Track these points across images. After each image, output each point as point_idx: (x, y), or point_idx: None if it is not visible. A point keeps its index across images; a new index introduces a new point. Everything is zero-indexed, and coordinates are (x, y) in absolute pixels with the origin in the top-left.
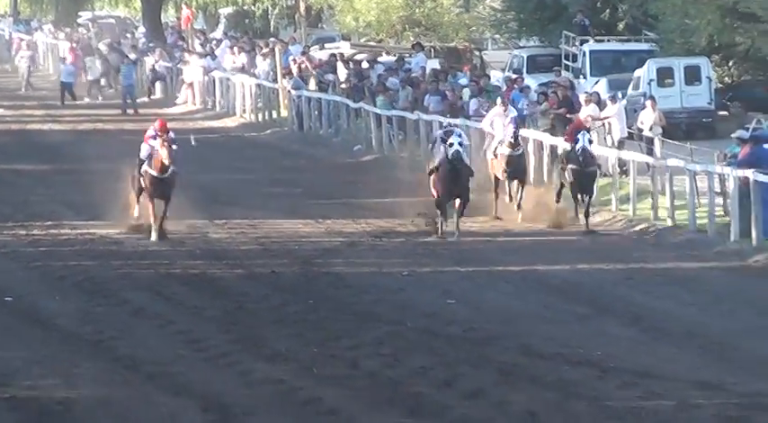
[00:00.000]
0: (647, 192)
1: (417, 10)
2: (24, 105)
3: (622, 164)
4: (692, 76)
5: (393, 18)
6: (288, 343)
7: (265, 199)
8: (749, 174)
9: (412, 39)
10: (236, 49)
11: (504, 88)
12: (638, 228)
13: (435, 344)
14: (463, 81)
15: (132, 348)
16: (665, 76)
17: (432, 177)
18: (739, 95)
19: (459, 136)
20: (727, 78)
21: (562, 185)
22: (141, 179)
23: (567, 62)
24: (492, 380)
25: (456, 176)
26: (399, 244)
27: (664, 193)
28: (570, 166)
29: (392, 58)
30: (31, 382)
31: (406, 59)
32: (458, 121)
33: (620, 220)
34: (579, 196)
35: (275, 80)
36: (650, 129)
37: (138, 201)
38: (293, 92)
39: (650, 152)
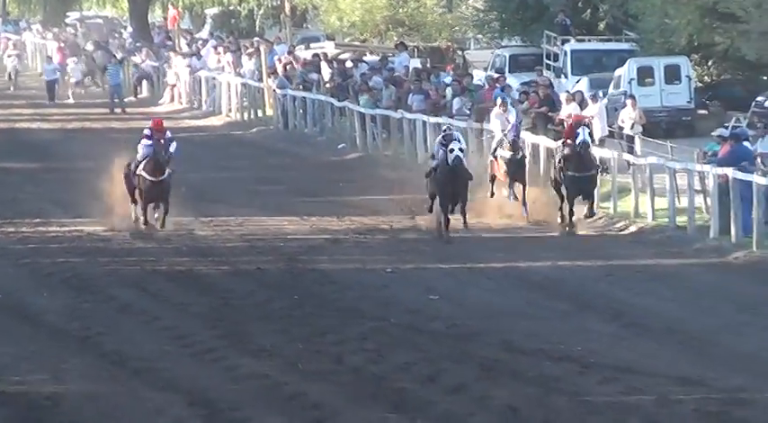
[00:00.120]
0: (628, 189)
1: (401, 10)
2: (13, 104)
3: (603, 162)
4: (672, 75)
5: (377, 18)
6: (273, 339)
7: (251, 197)
8: (729, 172)
9: (395, 38)
10: (220, 48)
11: (486, 87)
12: (618, 225)
13: (418, 340)
14: (448, 79)
15: (119, 344)
16: (645, 75)
17: (428, 180)
18: (718, 94)
19: (459, 141)
20: (706, 77)
21: (558, 184)
22: (136, 181)
23: (548, 61)
24: (474, 375)
25: (456, 181)
26: (383, 241)
27: (644, 191)
28: (569, 172)
29: (376, 58)
30: (20, 378)
31: (389, 59)
32: (441, 120)
33: (601, 217)
34: (577, 199)
35: (261, 79)
36: (631, 127)
37: (135, 202)
38: (278, 91)
39: (631, 150)
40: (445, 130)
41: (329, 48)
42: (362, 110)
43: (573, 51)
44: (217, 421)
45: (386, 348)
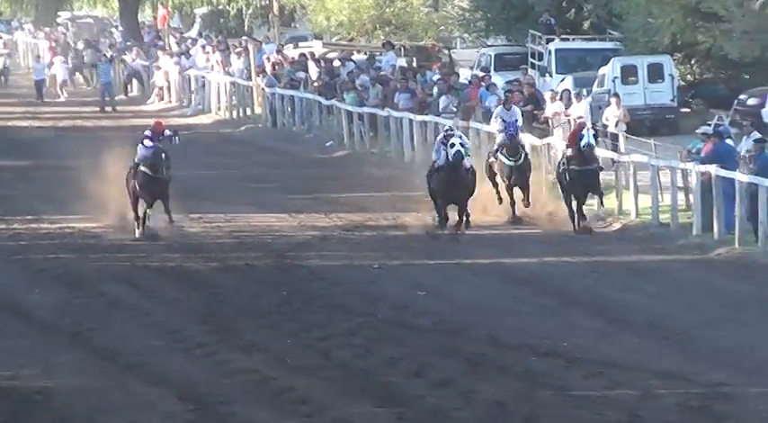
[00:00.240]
0: (612, 187)
1: (387, 9)
2: (4, 103)
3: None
4: (656, 73)
5: (364, 17)
6: (262, 334)
7: (240, 194)
8: (711, 169)
9: (382, 37)
10: (209, 48)
11: (471, 86)
12: (603, 222)
13: (405, 335)
14: (436, 77)
15: (110, 339)
16: (628, 73)
17: (429, 178)
18: (701, 93)
19: (461, 137)
20: (689, 76)
21: (564, 189)
22: (135, 181)
23: (533, 60)
24: (461, 370)
25: (456, 179)
26: (370, 237)
27: (628, 188)
28: (571, 166)
29: (363, 57)
30: (12, 373)
31: (376, 58)
32: (427, 118)
33: (586, 214)
34: (581, 197)
35: (249, 78)
36: (616, 125)
37: (136, 209)
38: (267, 89)
39: (615, 148)
40: (447, 130)
41: (317, 47)
42: (350, 108)
43: (557, 50)
44: (207, 415)
45: (373, 343)
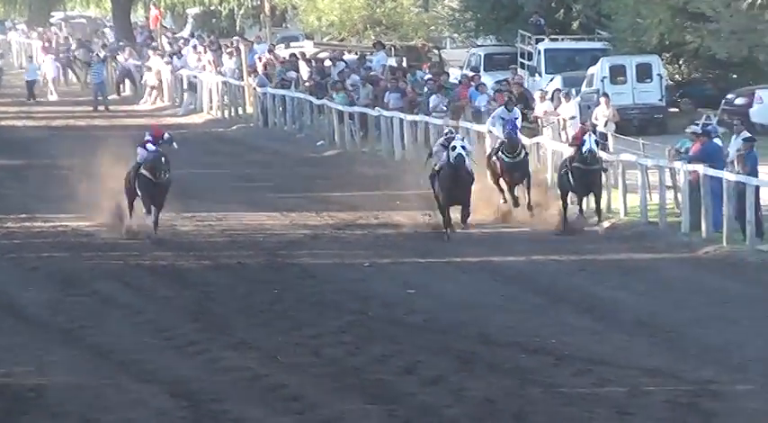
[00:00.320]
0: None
1: (378, 10)
2: None
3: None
4: (644, 73)
5: (355, 17)
6: (254, 332)
7: (232, 192)
8: (699, 168)
9: (373, 38)
10: (200, 48)
11: (461, 85)
12: (591, 220)
13: (396, 333)
14: (427, 77)
15: (102, 337)
16: (617, 73)
17: (433, 180)
18: (689, 92)
19: (462, 140)
20: (677, 76)
21: (565, 192)
22: (136, 183)
23: (522, 60)
24: (451, 367)
25: (457, 181)
26: (361, 236)
27: (616, 187)
28: (574, 164)
29: (354, 57)
30: (5, 370)
31: (367, 58)
32: (417, 117)
33: (575, 212)
34: (583, 197)
35: (241, 78)
36: (605, 125)
37: (131, 207)
38: (258, 89)
39: (604, 147)
40: (447, 133)
41: (308, 47)
42: (341, 107)
43: (547, 50)
44: (199, 412)
45: (364, 341)
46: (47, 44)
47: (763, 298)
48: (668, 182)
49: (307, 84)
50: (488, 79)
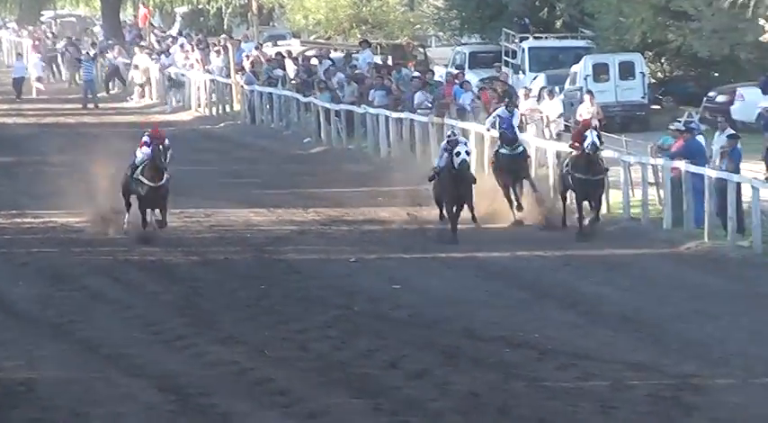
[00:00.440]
0: None
1: (364, 8)
2: None
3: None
4: (627, 71)
5: (341, 16)
6: (241, 326)
7: (219, 189)
8: (681, 165)
9: (359, 36)
10: (187, 46)
11: (446, 83)
12: (574, 216)
13: (381, 327)
14: (416, 74)
15: (92, 331)
16: (600, 71)
17: (433, 183)
18: (671, 90)
19: (465, 145)
20: (659, 74)
21: (564, 192)
22: (132, 186)
23: (507, 58)
24: (436, 362)
25: (460, 185)
26: (347, 232)
27: None
28: (577, 174)
29: (341, 55)
30: None
31: (353, 56)
32: (402, 115)
33: (559, 209)
34: (585, 203)
35: (229, 76)
36: None
37: (128, 207)
38: (246, 87)
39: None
40: (450, 136)
41: (295, 45)
42: (327, 105)
43: (530, 49)
44: (187, 406)
45: (349, 336)
46: (37, 43)
47: (743, 293)
48: (651, 178)
49: (293, 81)
50: (473, 77)
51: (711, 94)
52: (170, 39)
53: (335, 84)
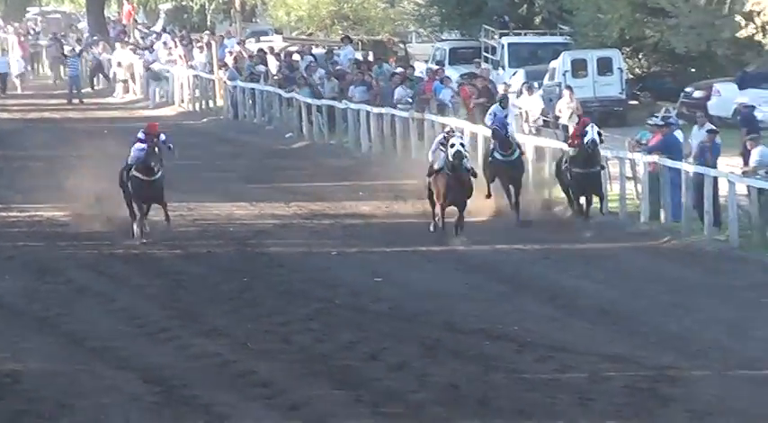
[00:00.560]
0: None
1: (345, 5)
2: None
3: (539, 150)
4: (605, 67)
5: (323, 13)
6: (224, 319)
7: (202, 183)
8: (659, 159)
9: (340, 32)
10: (170, 43)
11: (426, 79)
12: (554, 210)
13: (363, 320)
14: (399, 70)
15: (77, 324)
16: (578, 67)
17: (430, 179)
18: (649, 86)
19: (461, 138)
20: (637, 69)
21: (564, 184)
22: (129, 184)
23: (486, 54)
24: (416, 354)
25: (457, 182)
26: (329, 226)
27: None
28: (574, 168)
29: (323, 51)
30: None
31: (335, 52)
32: (383, 110)
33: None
34: (582, 198)
35: (212, 72)
36: (570, 117)
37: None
38: (229, 83)
39: (566, 139)
40: (447, 132)
41: (277, 41)
42: (309, 100)
43: (510, 45)
44: (171, 398)
45: (331, 328)
46: (22, 39)
47: (720, 286)
48: (628, 172)
49: (276, 77)
50: (453, 73)
51: (688, 89)
52: (154, 35)
53: (317, 79)
